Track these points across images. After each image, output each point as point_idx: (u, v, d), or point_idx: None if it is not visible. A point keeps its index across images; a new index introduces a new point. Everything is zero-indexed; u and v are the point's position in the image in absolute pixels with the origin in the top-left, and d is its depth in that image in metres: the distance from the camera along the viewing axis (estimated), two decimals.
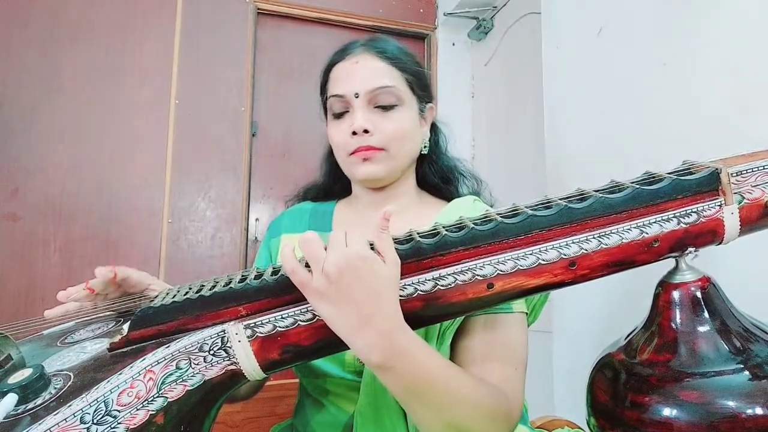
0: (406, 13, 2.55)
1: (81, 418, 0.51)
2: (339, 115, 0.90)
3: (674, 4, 1.15)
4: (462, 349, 0.76)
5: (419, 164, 0.98)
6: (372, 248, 0.59)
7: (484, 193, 1.01)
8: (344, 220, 0.98)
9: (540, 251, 0.58)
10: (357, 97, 0.87)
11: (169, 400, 0.56)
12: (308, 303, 0.60)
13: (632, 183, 0.60)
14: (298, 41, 2.38)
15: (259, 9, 2.31)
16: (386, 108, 0.88)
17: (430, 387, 0.60)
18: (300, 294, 0.60)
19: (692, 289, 0.59)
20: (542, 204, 0.62)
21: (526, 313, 0.80)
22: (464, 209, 0.89)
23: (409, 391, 0.60)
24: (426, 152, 0.97)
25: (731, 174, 0.58)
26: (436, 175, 0.98)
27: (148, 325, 0.61)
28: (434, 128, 1.00)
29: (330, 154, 1.01)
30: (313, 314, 0.60)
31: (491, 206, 0.98)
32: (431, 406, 0.61)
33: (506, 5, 2.34)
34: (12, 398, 0.52)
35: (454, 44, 2.61)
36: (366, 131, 0.86)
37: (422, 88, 0.94)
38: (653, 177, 0.61)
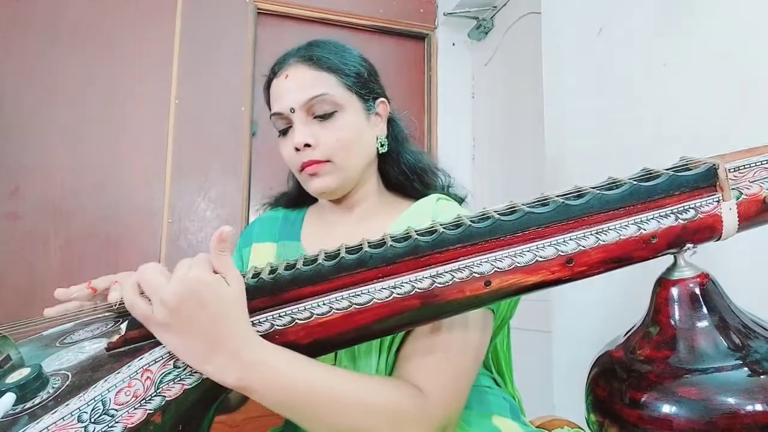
0: (406, 13, 2.55)
1: (78, 416, 0.51)
2: (284, 132, 0.89)
3: (674, 4, 1.15)
4: (401, 347, 0.73)
5: (380, 163, 0.96)
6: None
7: (455, 186, 0.98)
8: (312, 229, 0.97)
9: (537, 248, 0.58)
10: (293, 111, 0.85)
11: (166, 399, 0.56)
12: (307, 302, 0.60)
13: (629, 179, 0.60)
14: (298, 41, 2.37)
15: (259, 9, 2.31)
16: (325, 117, 0.85)
17: (305, 398, 0.58)
18: (298, 293, 0.60)
19: (691, 285, 0.58)
20: (539, 201, 0.62)
21: (492, 311, 0.77)
22: (426, 211, 0.87)
23: (281, 406, 0.59)
24: (384, 150, 0.93)
25: (729, 170, 0.57)
26: (398, 173, 0.95)
27: None
28: (392, 123, 0.96)
29: None
30: (311, 313, 0.60)
31: (462, 199, 0.97)
32: (313, 417, 0.59)
33: (506, 5, 2.33)
34: (10, 397, 0.52)
35: (454, 44, 2.61)
36: (308, 145, 0.85)
37: (364, 86, 0.90)
38: (650, 173, 0.60)
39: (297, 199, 1.03)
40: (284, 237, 0.96)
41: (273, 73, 0.91)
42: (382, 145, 0.93)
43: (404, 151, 0.96)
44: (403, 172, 0.95)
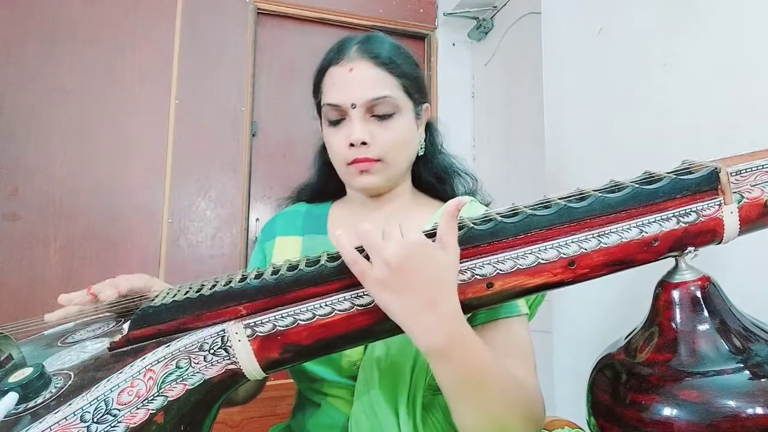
0: (406, 13, 2.55)
1: (81, 416, 0.51)
2: (335, 123, 0.88)
3: (674, 4, 1.15)
4: None
5: (414, 164, 0.97)
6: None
7: (480, 192, 1.00)
8: (339, 223, 0.97)
9: (539, 250, 0.58)
10: (354, 107, 0.85)
11: (169, 399, 0.56)
12: (309, 303, 0.60)
13: (631, 182, 0.60)
14: (298, 41, 2.38)
15: (259, 9, 2.31)
16: (383, 117, 0.86)
17: (482, 379, 0.61)
18: (300, 293, 0.60)
19: (692, 288, 0.59)
20: (541, 204, 0.62)
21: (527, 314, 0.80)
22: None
23: (462, 382, 0.61)
24: (422, 153, 0.95)
25: (730, 173, 0.58)
26: (431, 174, 0.97)
27: (149, 325, 0.62)
28: (428, 127, 0.99)
29: (321, 154, 1.00)
30: (313, 314, 0.60)
31: (488, 205, 0.98)
32: (480, 400, 0.62)
33: (506, 5, 2.33)
34: (13, 397, 0.52)
35: (454, 44, 2.61)
36: (364, 143, 0.85)
37: (418, 91, 0.92)
38: (652, 176, 0.61)
39: (320, 191, 1.03)
40: (310, 231, 0.96)
41: (332, 61, 0.89)
42: (421, 149, 0.95)
43: (438, 154, 0.98)
44: (436, 174, 0.97)
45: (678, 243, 0.58)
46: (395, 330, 0.63)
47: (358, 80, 0.85)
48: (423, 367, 0.77)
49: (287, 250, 0.94)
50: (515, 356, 0.73)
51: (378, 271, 0.57)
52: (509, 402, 0.63)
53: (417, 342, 0.59)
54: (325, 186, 1.02)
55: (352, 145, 0.85)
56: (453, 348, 0.58)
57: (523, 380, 0.69)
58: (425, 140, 0.97)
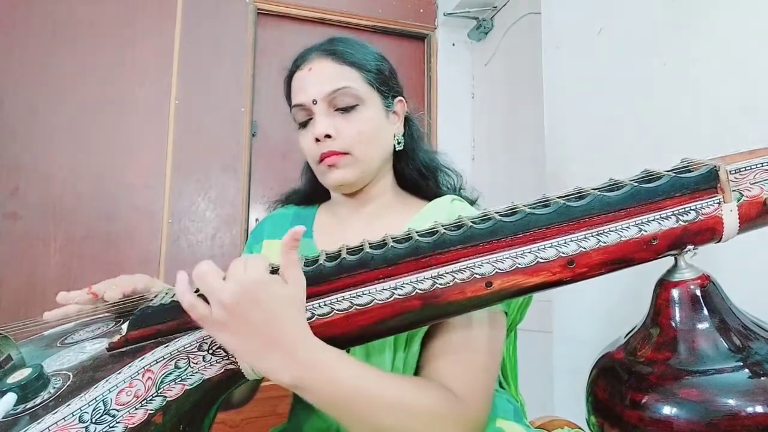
0: (405, 13, 2.55)
1: (80, 417, 0.51)
2: (304, 124, 0.90)
3: (674, 4, 1.15)
4: (424, 348, 0.74)
5: (395, 161, 0.96)
6: (276, 270, 0.59)
7: (465, 188, 0.99)
8: (324, 226, 0.97)
9: (538, 249, 0.58)
10: (315, 103, 0.86)
11: (167, 399, 0.56)
12: (308, 303, 0.60)
13: (630, 181, 0.60)
14: (298, 41, 2.36)
15: (259, 9, 2.31)
16: (346, 110, 0.87)
17: (353, 399, 0.59)
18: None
19: (691, 287, 0.59)
20: (540, 202, 0.62)
21: (505, 312, 0.78)
22: (442, 211, 0.88)
23: (332, 406, 0.59)
24: (401, 148, 0.95)
25: (730, 171, 0.58)
26: (412, 170, 0.96)
27: (147, 325, 0.62)
28: (408, 122, 0.98)
29: None
30: (312, 313, 0.60)
31: (474, 200, 0.98)
32: (360, 418, 0.60)
33: (506, 5, 2.34)
34: (11, 397, 0.52)
35: (454, 44, 2.61)
36: (328, 136, 0.86)
37: (385, 83, 0.91)
38: (652, 175, 0.60)
39: (308, 195, 1.04)
40: None
41: (295, 66, 0.92)
42: (399, 143, 0.94)
43: (419, 150, 0.97)
44: (418, 170, 0.96)
45: (677, 241, 0.58)
46: (397, 329, 0.63)
47: (317, 77, 0.88)
48: (399, 370, 0.77)
49: (274, 253, 0.94)
50: (454, 356, 0.70)
51: (216, 314, 0.56)
52: (399, 415, 0.60)
53: (268, 378, 0.58)
54: (312, 190, 1.02)
55: (317, 140, 0.86)
56: (304, 380, 0.57)
57: (441, 386, 0.66)
58: (404, 135, 0.96)
